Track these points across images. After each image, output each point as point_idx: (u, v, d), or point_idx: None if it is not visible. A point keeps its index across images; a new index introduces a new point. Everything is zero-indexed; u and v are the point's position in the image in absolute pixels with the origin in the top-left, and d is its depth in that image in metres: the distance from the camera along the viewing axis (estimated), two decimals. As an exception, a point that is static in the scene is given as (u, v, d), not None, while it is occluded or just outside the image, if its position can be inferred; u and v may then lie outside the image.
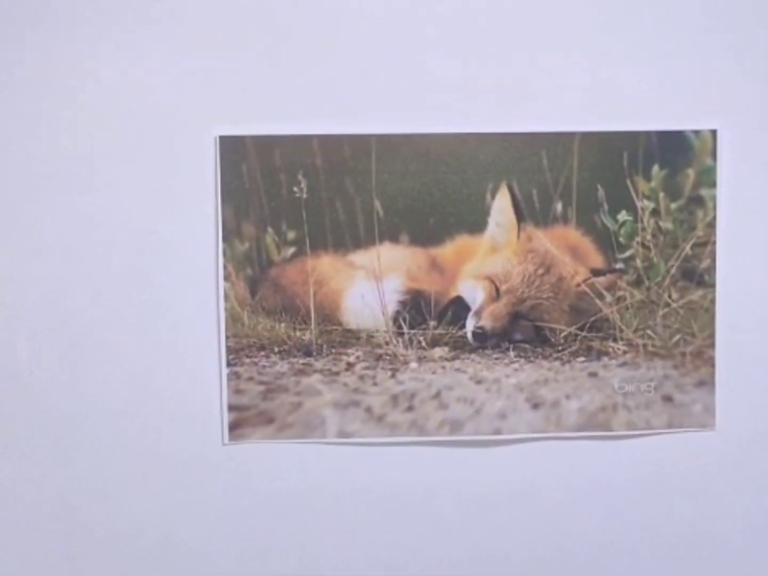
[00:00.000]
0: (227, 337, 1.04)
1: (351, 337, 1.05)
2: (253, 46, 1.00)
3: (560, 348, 1.06)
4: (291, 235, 1.04)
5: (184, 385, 1.04)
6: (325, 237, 1.03)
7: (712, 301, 1.06)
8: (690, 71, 1.04)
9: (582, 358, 1.06)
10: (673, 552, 1.10)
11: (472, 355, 1.06)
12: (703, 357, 1.07)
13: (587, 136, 1.04)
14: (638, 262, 1.05)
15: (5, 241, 1.01)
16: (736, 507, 1.10)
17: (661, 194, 1.05)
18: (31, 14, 0.99)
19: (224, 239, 1.03)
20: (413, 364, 1.05)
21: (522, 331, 1.06)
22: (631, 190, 1.05)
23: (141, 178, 1.01)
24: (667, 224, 1.05)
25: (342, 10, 1.00)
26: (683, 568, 1.11)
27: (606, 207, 1.04)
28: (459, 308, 1.06)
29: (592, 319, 1.06)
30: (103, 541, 1.06)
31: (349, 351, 1.05)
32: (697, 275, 1.06)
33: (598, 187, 1.04)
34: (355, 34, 1.01)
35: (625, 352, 1.06)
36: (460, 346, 1.06)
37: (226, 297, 1.04)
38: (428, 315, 1.05)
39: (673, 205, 1.05)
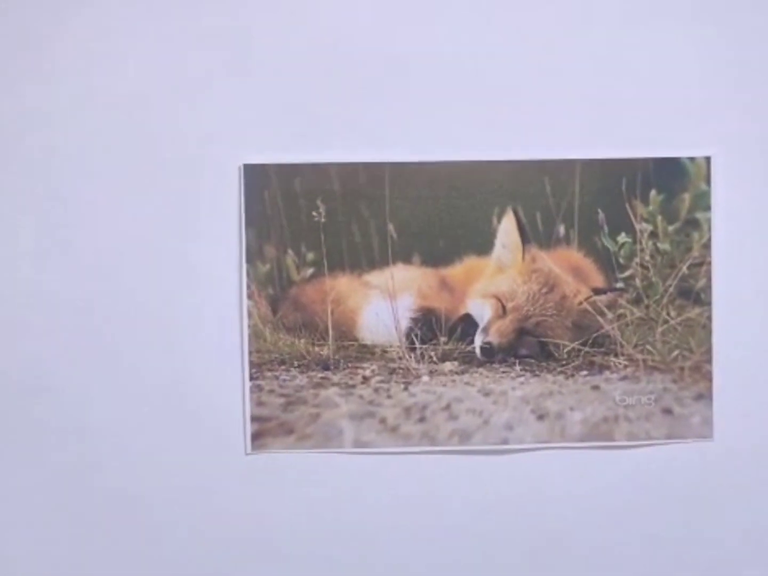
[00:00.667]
0: (250, 353, 1.08)
1: (366, 352, 1.09)
2: (275, 83, 1.06)
3: (564, 362, 1.09)
4: (310, 256, 1.08)
5: (209, 398, 1.09)
6: (342, 258, 1.08)
7: (709, 318, 1.10)
8: (685, 102, 1.09)
9: (585, 372, 1.09)
10: (673, 557, 1.13)
11: (480, 369, 1.09)
12: (701, 371, 1.10)
13: (588, 163, 1.08)
14: (637, 282, 1.09)
15: (41, 263, 1.07)
16: (734, 514, 1.13)
17: (659, 217, 1.09)
18: (58, 48, 1.06)
19: (247, 261, 1.07)
20: (425, 378, 1.09)
21: (527, 346, 1.10)
22: (630, 213, 1.08)
23: (171, 204, 1.07)
24: (664, 245, 1.09)
25: (358, 51, 1.06)
26: (683, 573, 1.13)
27: (606, 229, 1.08)
28: (468, 325, 1.10)
29: (594, 335, 1.09)
30: (131, 545, 1.10)
31: (365, 365, 1.09)
32: (694, 294, 1.10)
33: (599, 210, 1.08)
34: (370, 71, 1.07)
35: (625, 367, 1.10)
36: (468, 361, 1.09)
37: (250, 315, 1.08)
38: (439, 331, 1.09)
39: (670, 228, 1.09)
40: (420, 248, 1.08)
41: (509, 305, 1.10)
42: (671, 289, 1.09)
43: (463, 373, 1.09)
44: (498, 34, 1.07)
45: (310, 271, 1.08)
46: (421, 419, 1.09)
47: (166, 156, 1.07)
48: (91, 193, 1.07)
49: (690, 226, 1.09)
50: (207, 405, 1.09)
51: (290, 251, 1.08)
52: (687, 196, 1.09)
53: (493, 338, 1.09)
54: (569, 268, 1.09)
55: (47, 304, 1.08)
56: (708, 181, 1.09)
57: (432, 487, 1.11)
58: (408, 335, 1.09)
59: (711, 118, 1.09)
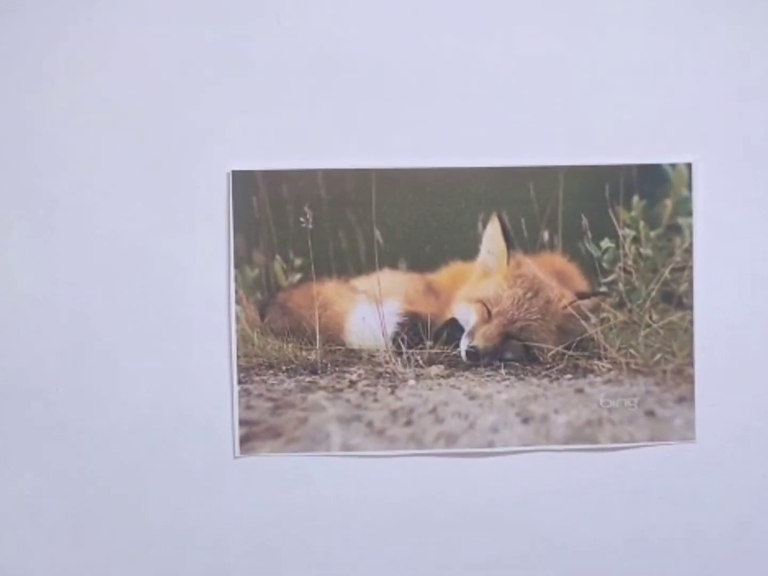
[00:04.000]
0: (238, 357, 1.09)
1: (353, 356, 1.10)
2: (263, 90, 1.08)
3: (548, 366, 1.11)
4: (297, 262, 1.09)
5: (198, 402, 1.10)
6: (329, 264, 1.09)
7: (691, 322, 1.11)
8: (666, 110, 1.10)
9: (569, 376, 1.11)
10: (656, 558, 1.15)
11: (466, 373, 1.10)
12: (683, 374, 1.12)
13: (572, 170, 1.10)
14: (620, 286, 1.11)
15: (34, 270, 1.08)
16: (715, 513, 1.15)
17: (641, 223, 1.10)
18: (54, 59, 1.07)
19: (236, 266, 1.08)
20: (411, 382, 1.10)
21: (512, 350, 1.11)
22: (613, 219, 1.10)
23: (160, 210, 1.08)
24: (647, 251, 1.11)
25: (346, 58, 1.08)
26: (666, 571, 1.15)
27: (590, 235, 1.10)
28: (453, 329, 1.11)
29: (578, 339, 1.11)
30: (120, 547, 1.11)
31: (352, 369, 1.10)
32: (676, 298, 1.11)
33: (582, 216, 1.10)
34: (358, 78, 1.08)
35: (609, 370, 1.11)
36: (454, 365, 1.10)
37: (238, 319, 1.09)
38: (425, 336, 1.10)
39: (653, 233, 1.11)
40: (406, 254, 1.10)
41: (494, 310, 1.11)
42: (654, 294, 1.11)
43: (449, 376, 1.10)
44: (482, 42, 1.09)
45: (297, 276, 1.09)
46: (408, 422, 1.10)
47: (155, 163, 1.08)
48: (81, 199, 1.08)
49: (672, 232, 1.11)
50: (196, 409, 1.10)
51: (278, 257, 1.09)
52: (669, 202, 1.11)
53: (479, 342, 1.11)
54: (553, 273, 1.11)
55: (36, 309, 1.08)
56: (689, 187, 1.11)
57: (419, 489, 1.12)
58: (394, 339, 1.10)
59: (691, 126, 1.11)
